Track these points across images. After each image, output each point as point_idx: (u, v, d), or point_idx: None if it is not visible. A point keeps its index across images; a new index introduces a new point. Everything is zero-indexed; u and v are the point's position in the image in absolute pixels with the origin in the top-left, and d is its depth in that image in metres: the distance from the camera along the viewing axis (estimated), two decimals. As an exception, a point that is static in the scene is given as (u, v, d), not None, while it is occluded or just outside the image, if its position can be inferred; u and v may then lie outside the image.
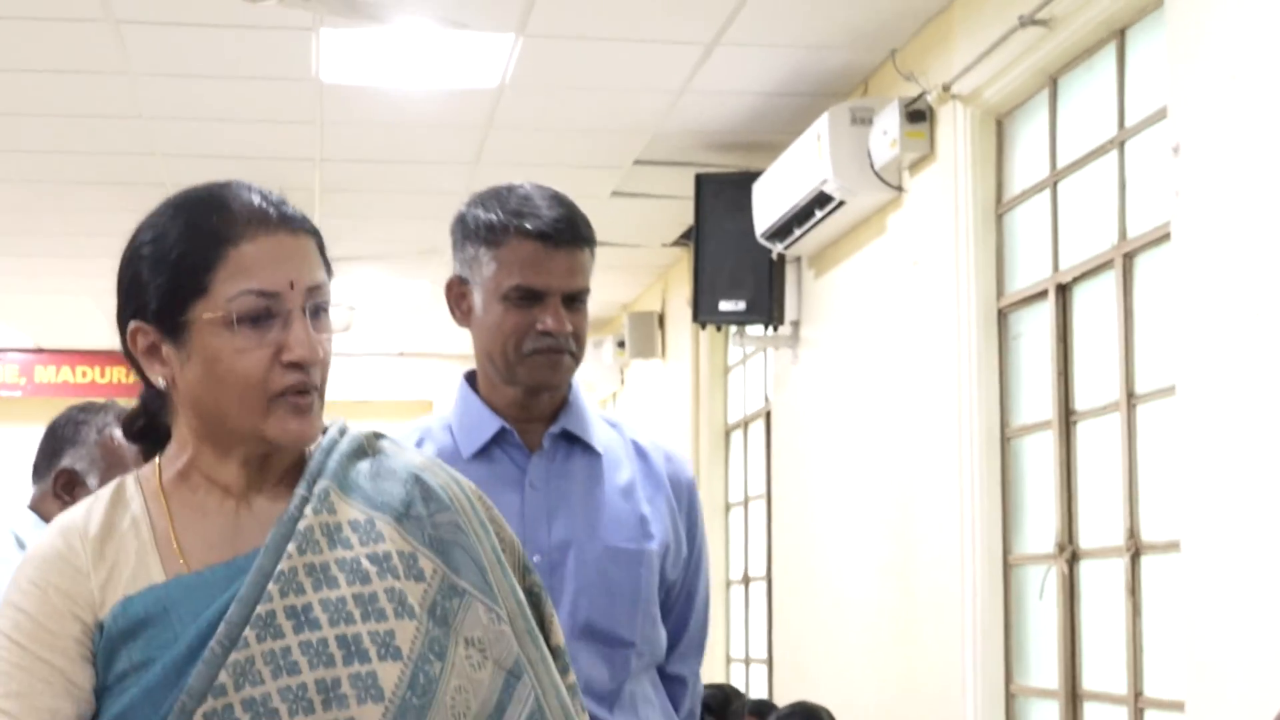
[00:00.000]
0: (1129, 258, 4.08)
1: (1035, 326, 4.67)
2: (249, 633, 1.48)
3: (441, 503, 1.60)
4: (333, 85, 5.71)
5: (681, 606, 2.34)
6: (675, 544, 2.29)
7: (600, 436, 2.28)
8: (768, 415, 7.18)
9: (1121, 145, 4.14)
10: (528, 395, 2.23)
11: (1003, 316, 4.84)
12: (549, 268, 2.16)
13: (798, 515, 6.59)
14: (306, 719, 1.46)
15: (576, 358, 2.22)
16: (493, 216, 2.18)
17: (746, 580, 7.81)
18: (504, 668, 1.57)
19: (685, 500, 2.32)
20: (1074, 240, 4.45)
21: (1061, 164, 4.50)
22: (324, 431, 1.63)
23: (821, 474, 6.26)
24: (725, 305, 6.50)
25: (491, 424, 2.24)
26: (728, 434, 8.23)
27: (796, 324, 6.56)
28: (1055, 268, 4.52)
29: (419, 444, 2.24)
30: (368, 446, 1.63)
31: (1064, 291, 4.47)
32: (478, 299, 2.22)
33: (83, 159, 6.71)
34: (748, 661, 7.77)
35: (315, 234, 1.59)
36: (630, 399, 10.04)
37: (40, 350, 11.48)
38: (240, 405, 1.53)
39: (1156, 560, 3.94)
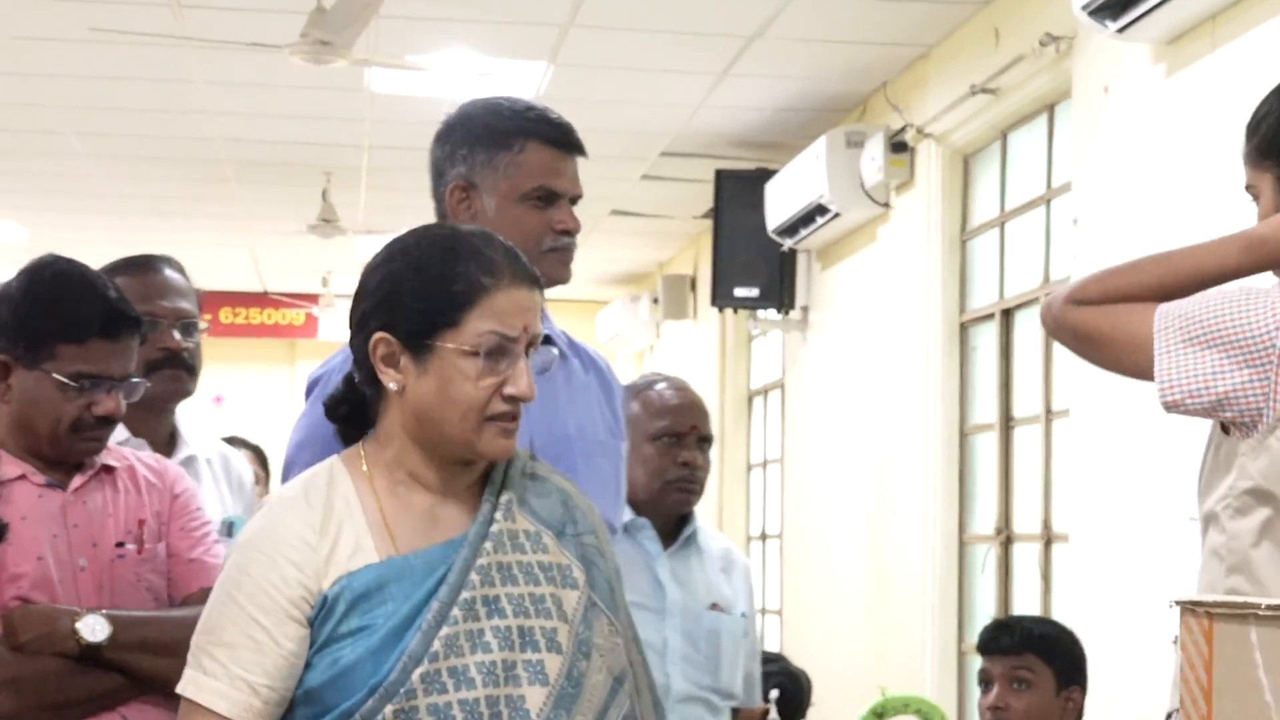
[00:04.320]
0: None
1: (987, 341, 6.08)
2: (456, 612, 1.93)
3: (586, 525, 2.08)
4: (382, 95, 7.13)
5: None
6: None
7: (562, 342, 2.57)
8: (783, 387, 8.61)
9: (1048, 203, 5.52)
10: None
11: (964, 330, 6.24)
12: (564, 172, 2.49)
13: (803, 482, 8.04)
14: (494, 690, 1.93)
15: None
16: (512, 124, 2.49)
17: (764, 537, 9.28)
18: (613, 674, 2.01)
19: (623, 405, 2.70)
20: (1016, 273, 5.83)
21: (1009, 207, 5.88)
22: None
23: (822, 447, 7.70)
24: (740, 291, 7.93)
25: None
26: (750, 399, 9.67)
27: (806, 309, 7.97)
28: (1001, 295, 5.92)
29: None
30: (527, 466, 2.09)
31: (1008, 316, 5.87)
32: (488, 202, 2.48)
33: (147, 141, 8.21)
34: (764, 613, 9.26)
35: (540, 287, 2.05)
36: (664, 355, 11.47)
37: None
38: (461, 421, 1.97)
39: (1062, 549, 5.37)
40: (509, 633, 1.94)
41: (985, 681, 3.36)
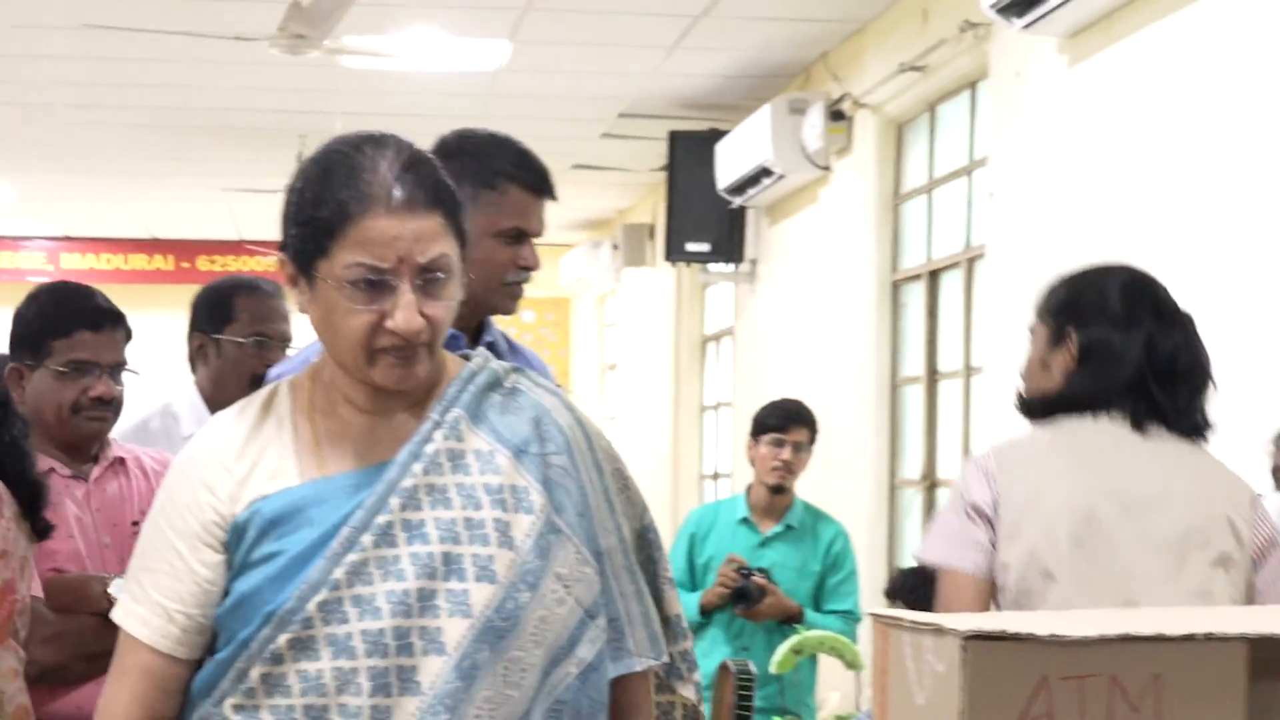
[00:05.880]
0: (971, 262, 5.83)
1: (916, 300, 6.44)
2: (366, 538, 1.78)
3: (558, 444, 1.87)
4: (354, 69, 7.42)
5: None
6: None
7: (502, 344, 2.77)
8: (733, 334, 8.97)
9: (970, 174, 5.86)
10: (477, 315, 2.68)
11: (896, 288, 6.60)
12: (537, 215, 2.69)
13: (753, 426, 8.40)
14: (404, 621, 1.77)
15: None
16: (500, 166, 2.66)
17: (716, 476, 9.67)
18: (583, 606, 1.85)
19: None
20: (943, 237, 6.19)
21: (937, 175, 6.23)
22: (468, 359, 1.92)
23: (769, 392, 8.02)
24: (691, 246, 8.28)
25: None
26: (704, 344, 10.03)
27: (755, 262, 8.32)
28: (929, 257, 6.28)
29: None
30: (503, 380, 1.90)
31: (934, 277, 6.22)
32: (467, 230, 3.00)
33: (132, 111, 8.49)
34: (717, 547, 9.67)
35: (440, 208, 1.83)
36: (624, 300, 11.81)
37: (67, 238, 13.30)
38: (348, 353, 1.80)
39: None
40: (430, 560, 1.79)
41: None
